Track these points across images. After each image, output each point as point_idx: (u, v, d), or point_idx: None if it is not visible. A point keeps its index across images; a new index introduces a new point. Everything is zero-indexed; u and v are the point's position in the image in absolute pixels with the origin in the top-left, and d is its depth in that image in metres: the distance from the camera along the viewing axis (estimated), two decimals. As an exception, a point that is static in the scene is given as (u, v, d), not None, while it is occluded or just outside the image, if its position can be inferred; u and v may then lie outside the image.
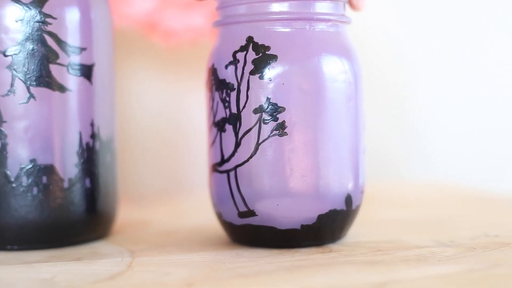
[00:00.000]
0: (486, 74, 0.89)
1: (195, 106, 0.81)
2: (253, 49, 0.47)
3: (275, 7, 0.47)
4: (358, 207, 0.49)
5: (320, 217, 0.47)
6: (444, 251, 0.46)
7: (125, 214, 0.58)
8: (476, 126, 0.89)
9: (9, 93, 0.47)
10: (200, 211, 0.65)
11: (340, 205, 0.47)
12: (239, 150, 0.47)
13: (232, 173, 0.47)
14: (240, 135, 0.47)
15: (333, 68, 0.47)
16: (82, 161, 0.49)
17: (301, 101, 0.46)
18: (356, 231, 0.52)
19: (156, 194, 0.78)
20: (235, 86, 0.47)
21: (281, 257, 0.45)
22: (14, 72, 0.47)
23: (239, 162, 0.47)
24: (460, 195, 0.73)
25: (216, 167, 0.48)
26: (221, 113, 0.48)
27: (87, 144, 0.49)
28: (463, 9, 0.89)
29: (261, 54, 0.46)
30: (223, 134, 0.48)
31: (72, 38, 0.48)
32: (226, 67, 0.47)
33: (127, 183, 0.74)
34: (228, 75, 0.47)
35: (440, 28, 0.89)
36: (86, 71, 0.49)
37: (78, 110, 0.49)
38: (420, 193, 0.75)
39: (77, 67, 0.49)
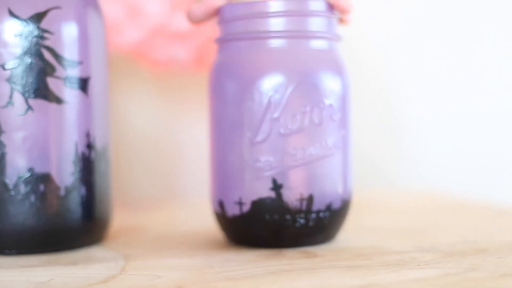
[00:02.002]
0: (473, 84, 0.91)
1: (190, 114, 0.83)
2: None
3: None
4: None
5: None
6: (423, 256, 0.48)
7: (120, 219, 0.60)
8: (461, 135, 0.91)
9: (8, 105, 0.49)
10: (192, 217, 0.67)
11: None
12: None
13: None
14: None
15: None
16: (78, 170, 0.51)
17: None
18: (341, 237, 0.54)
19: (150, 200, 0.80)
20: None
21: (268, 261, 0.47)
22: (13, 84, 0.49)
23: None
24: (443, 203, 0.75)
25: None
26: None
27: (83, 153, 0.51)
28: (451, 23, 0.91)
29: None
30: None
31: (69, 52, 0.51)
32: None
33: (122, 189, 0.76)
34: None
35: (429, 40, 0.90)
36: (82, 84, 0.51)
37: (74, 121, 0.51)
38: (404, 201, 0.77)
39: (73, 80, 0.51)
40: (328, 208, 0.51)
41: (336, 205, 0.51)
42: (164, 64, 0.74)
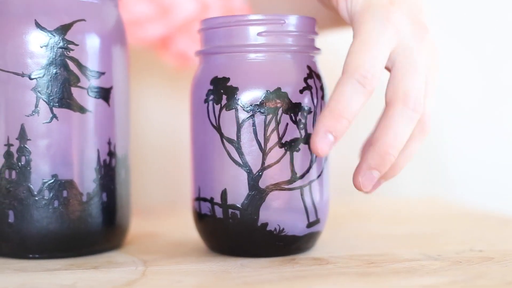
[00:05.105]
0: (451, 90, 0.93)
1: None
2: None
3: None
4: None
5: None
6: (432, 264, 0.50)
7: (136, 226, 0.62)
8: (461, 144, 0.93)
9: (34, 113, 0.51)
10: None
11: None
12: None
13: None
14: None
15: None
16: (99, 176, 0.53)
17: None
18: (351, 244, 0.56)
19: (165, 207, 0.82)
20: None
21: (282, 268, 0.49)
22: (39, 94, 0.51)
23: None
24: (449, 212, 0.77)
25: None
26: None
27: (104, 161, 0.53)
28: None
29: None
30: None
31: (92, 63, 0.52)
32: None
33: (138, 196, 0.77)
34: None
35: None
36: (105, 94, 0.53)
37: (96, 130, 0.53)
38: (411, 209, 0.79)
39: (96, 90, 0.53)
40: None
41: None
42: (187, 59, 0.75)
